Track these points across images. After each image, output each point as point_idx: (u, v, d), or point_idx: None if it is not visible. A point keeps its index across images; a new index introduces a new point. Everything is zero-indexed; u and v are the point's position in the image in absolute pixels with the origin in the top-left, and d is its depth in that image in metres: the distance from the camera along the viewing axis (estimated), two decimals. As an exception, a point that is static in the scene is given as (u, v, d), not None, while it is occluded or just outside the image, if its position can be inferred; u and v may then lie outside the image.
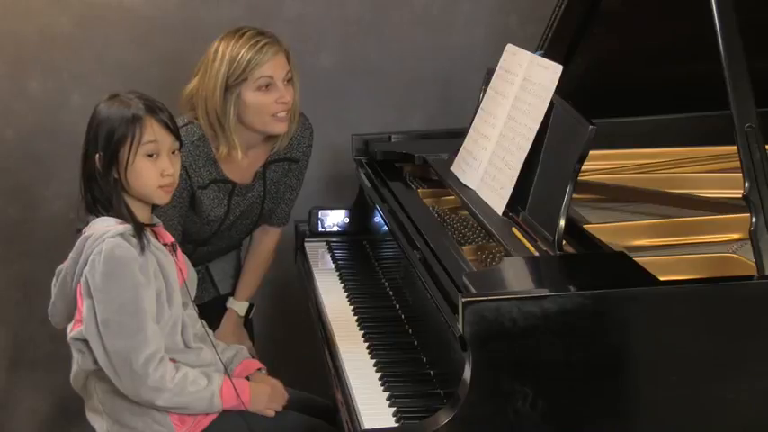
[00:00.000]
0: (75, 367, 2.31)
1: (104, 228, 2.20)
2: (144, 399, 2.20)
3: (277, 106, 2.66)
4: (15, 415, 3.45)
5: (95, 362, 2.21)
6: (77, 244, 2.23)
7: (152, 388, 2.18)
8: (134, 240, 2.19)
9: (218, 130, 2.69)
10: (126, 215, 2.23)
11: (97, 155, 2.22)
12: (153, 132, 2.23)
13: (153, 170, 2.24)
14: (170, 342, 2.24)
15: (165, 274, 2.24)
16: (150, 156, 2.23)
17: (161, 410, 2.24)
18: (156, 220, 2.35)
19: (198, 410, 2.25)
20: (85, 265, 2.19)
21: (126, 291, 2.16)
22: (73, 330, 2.25)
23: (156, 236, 2.29)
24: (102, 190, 2.23)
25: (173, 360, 2.24)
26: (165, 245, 2.29)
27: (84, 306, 2.20)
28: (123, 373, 2.18)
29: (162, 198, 2.28)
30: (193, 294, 2.40)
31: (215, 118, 2.67)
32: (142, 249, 2.19)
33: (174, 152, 2.29)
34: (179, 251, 2.36)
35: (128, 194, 2.25)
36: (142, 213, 2.27)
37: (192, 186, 2.72)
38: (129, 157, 2.22)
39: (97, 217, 2.25)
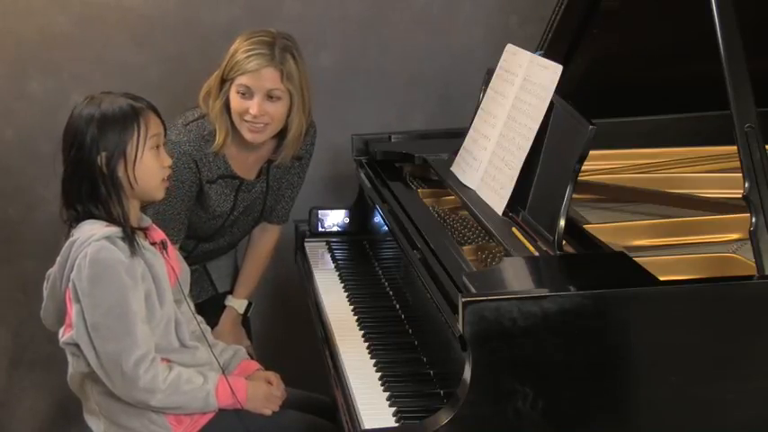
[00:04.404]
0: (70, 369, 2.30)
1: (90, 231, 2.19)
2: (137, 400, 2.20)
3: (247, 116, 2.67)
4: (15, 415, 3.45)
5: (89, 365, 2.20)
6: (64, 248, 2.22)
7: (144, 389, 2.17)
8: (120, 243, 2.18)
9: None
10: (121, 218, 2.21)
11: (99, 156, 2.20)
12: (156, 124, 2.24)
13: (157, 163, 2.25)
14: (164, 341, 2.23)
15: (155, 273, 2.22)
16: (153, 148, 2.23)
17: (156, 411, 2.24)
18: (147, 219, 2.34)
19: (193, 410, 2.25)
20: (72, 270, 2.18)
21: (112, 294, 2.15)
22: (65, 335, 2.25)
23: (146, 235, 2.28)
24: (109, 192, 2.20)
25: (167, 360, 2.23)
26: (153, 243, 2.28)
27: (73, 311, 2.19)
28: (115, 376, 2.17)
29: (162, 192, 2.29)
30: (187, 290, 2.39)
31: (210, 100, 2.71)
32: (133, 254, 2.18)
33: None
34: (170, 248, 2.34)
35: (125, 196, 2.24)
36: (134, 215, 2.27)
37: (201, 180, 2.73)
38: (137, 152, 2.21)
39: (84, 220, 2.23)
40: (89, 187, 2.21)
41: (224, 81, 2.69)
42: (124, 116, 2.21)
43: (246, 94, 2.67)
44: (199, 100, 2.74)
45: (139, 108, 2.23)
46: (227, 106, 2.70)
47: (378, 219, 2.80)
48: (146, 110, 2.24)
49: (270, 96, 2.67)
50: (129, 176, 2.21)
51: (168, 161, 2.29)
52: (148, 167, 2.23)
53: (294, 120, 2.72)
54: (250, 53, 2.65)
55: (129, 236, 2.19)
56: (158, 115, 2.27)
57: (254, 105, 2.66)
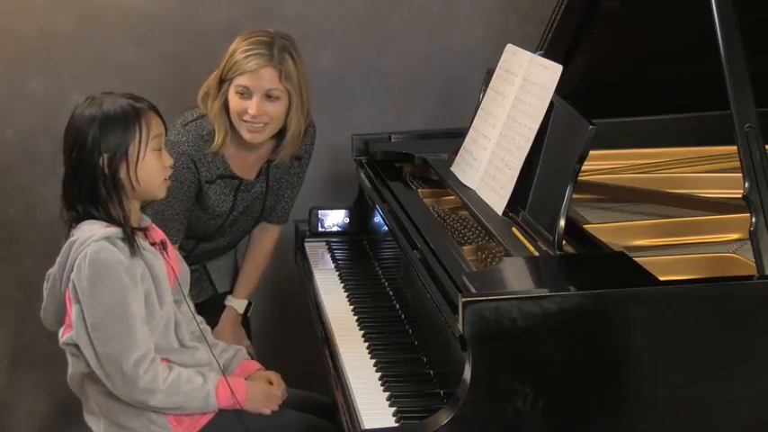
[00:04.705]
0: (70, 369, 2.30)
1: (90, 231, 2.19)
2: (137, 400, 2.20)
3: (246, 116, 2.67)
4: (15, 415, 3.45)
5: (89, 365, 2.20)
6: (64, 249, 2.22)
7: (144, 390, 2.17)
8: (120, 243, 2.18)
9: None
10: (121, 220, 2.21)
11: (101, 158, 2.19)
12: (158, 124, 2.24)
13: (159, 163, 2.25)
14: (164, 342, 2.23)
15: (154, 274, 2.22)
16: (155, 150, 2.23)
17: (156, 411, 2.23)
18: (146, 219, 2.34)
19: (193, 410, 2.25)
20: (72, 270, 2.18)
21: (112, 294, 2.15)
22: (64, 335, 2.25)
23: (145, 235, 2.28)
24: (109, 194, 2.20)
25: (167, 361, 2.23)
26: (153, 244, 2.28)
27: (73, 311, 2.19)
28: (115, 377, 2.17)
29: (164, 191, 2.29)
30: (187, 291, 2.38)
31: (209, 101, 2.72)
32: (133, 254, 2.18)
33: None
34: (170, 248, 2.34)
35: (126, 197, 2.24)
36: (135, 216, 2.27)
37: (200, 180, 2.74)
38: (139, 153, 2.20)
39: (84, 221, 2.23)
40: (90, 188, 2.21)
41: (222, 81, 2.70)
42: (126, 117, 2.20)
43: (245, 94, 2.67)
44: (198, 100, 2.74)
45: (141, 109, 2.22)
46: (225, 106, 2.70)
47: (378, 219, 2.80)
48: (147, 111, 2.23)
49: (268, 96, 2.67)
50: (131, 177, 2.21)
51: (169, 161, 2.29)
52: (150, 168, 2.23)
53: (293, 119, 2.73)
54: (248, 53, 2.65)
55: (130, 237, 2.19)
56: (160, 116, 2.27)
57: (252, 105, 2.66)
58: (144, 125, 2.21)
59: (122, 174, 2.20)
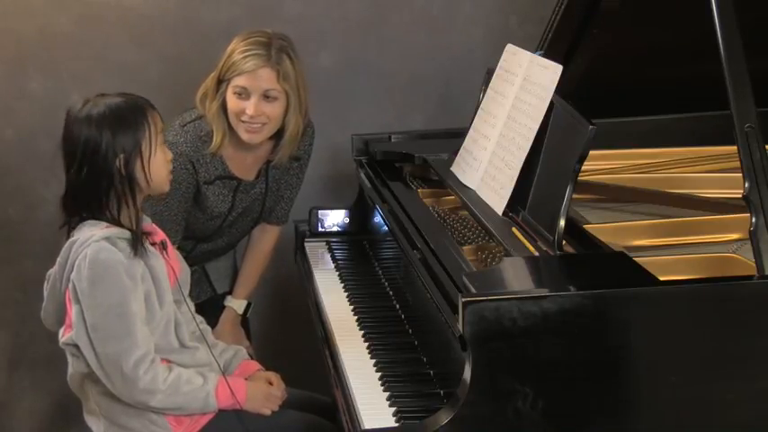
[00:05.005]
0: (70, 369, 2.30)
1: (90, 232, 2.18)
2: (137, 401, 2.20)
3: (244, 116, 2.67)
4: (15, 415, 3.45)
5: (89, 365, 2.20)
6: (64, 249, 2.22)
7: (144, 390, 2.17)
8: (120, 244, 2.17)
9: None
10: (133, 222, 2.20)
11: (118, 159, 2.18)
12: (159, 119, 2.25)
13: (164, 156, 2.25)
14: (164, 342, 2.23)
15: (154, 274, 2.22)
16: (161, 144, 2.24)
17: (156, 412, 2.23)
18: (147, 219, 2.34)
19: (193, 410, 2.25)
20: (72, 270, 2.18)
21: (112, 295, 2.15)
22: (64, 335, 2.25)
23: (147, 235, 2.28)
24: (125, 193, 2.19)
25: (167, 361, 2.23)
26: (153, 244, 2.27)
27: (73, 311, 2.19)
28: (114, 377, 2.17)
29: (168, 185, 2.30)
30: (187, 291, 2.38)
31: (207, 102, 2.72)
32: (136, 254, 2.18)
33: None
34: (170, 248, 2.34)
35: (140, 194, 2.23)
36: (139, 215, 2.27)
37: (198, 181, 2.74)
38: (151, 149, 2.21)
39: (85, 221, 2.23)
40: (102, 192, 2.19)
41: (221, 82, 2.70)
42: (134, 115, 2.21)
43: (243, 94, 2.67)
44: (196, 101, 2.74)
45: (144, 106, 2.23)
46: (224, 107, 2.71)
47: (378, 219, 2.80)
48: (148, 107, 2.24)
49: (266, 96, 2.68)
50: (146, 174, 2.21)
51: (170, 154, 2.30)
52: (160, 162, 2.24)
53: (291, 120, 2.73)
54: (246, 54, 2.65)
55: (139, 239, 2.19)
56: (156, 110, 2.28)
57: (250, 106, 2.66)
58: (151, 121, 2.22)
59: (138, 172, 2.21)
